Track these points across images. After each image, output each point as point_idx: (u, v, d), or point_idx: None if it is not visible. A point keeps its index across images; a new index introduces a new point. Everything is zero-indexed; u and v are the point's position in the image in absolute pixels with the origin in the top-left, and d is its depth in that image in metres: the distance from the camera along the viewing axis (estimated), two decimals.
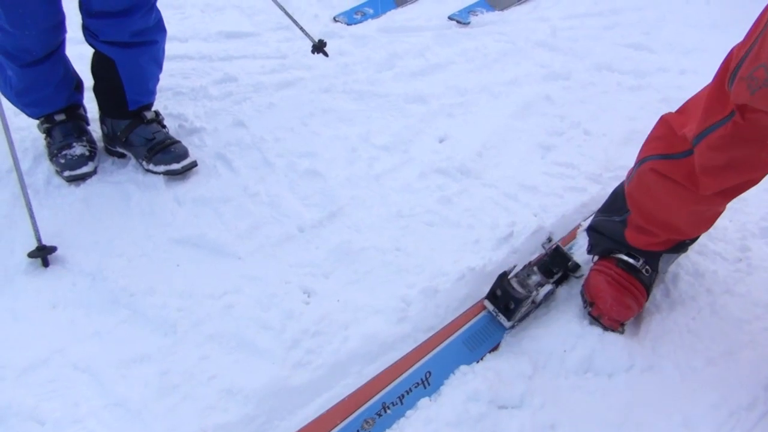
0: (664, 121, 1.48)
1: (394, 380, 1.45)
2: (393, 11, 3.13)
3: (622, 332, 1.51)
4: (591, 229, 1.69)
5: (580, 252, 1.75)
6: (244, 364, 1.50)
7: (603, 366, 1.45)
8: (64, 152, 1.99)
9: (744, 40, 1.23)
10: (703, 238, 1.68)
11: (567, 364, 1.46)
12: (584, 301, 1.57)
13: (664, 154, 1.45)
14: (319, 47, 2.38)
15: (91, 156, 2.01)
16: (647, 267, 1.56)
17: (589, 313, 1.54)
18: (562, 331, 1.53)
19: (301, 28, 2.38)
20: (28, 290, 1.68)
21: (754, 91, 1.15)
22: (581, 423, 1.35)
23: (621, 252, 1.59)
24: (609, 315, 1.50)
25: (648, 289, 1.57)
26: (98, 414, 1.41)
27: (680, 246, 1.59)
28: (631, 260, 1.57)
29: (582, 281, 1.64)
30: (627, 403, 1.37)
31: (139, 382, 1.47)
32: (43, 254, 1.73)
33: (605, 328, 1.51)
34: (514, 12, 3.12)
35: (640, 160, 1.53)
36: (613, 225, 1.62)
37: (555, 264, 1.68)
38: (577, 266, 1.69)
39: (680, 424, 1.33)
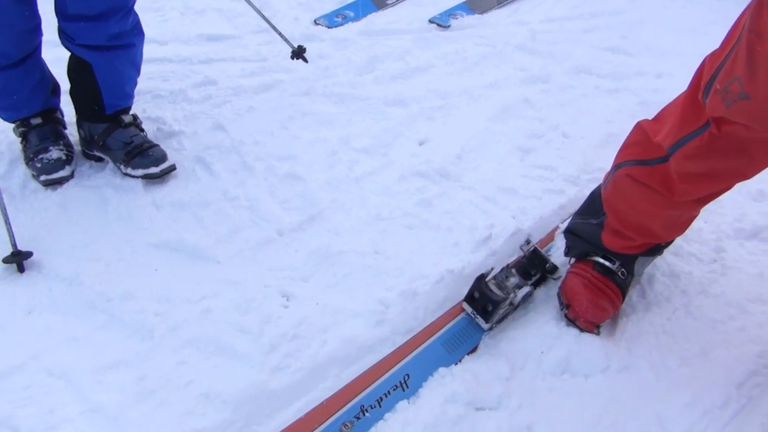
0: (640, 128, 1.50)
1: (372, 383, 1.46)
2: (374, 14, 3.13)
3: (597, 334, 1.53)
4: (568, 232, 1.71)
5: (558, 254, 1.76)
6: (222, 368, 1.50)
7: (579, 367, 1.46)
8: (40, 156, 1.97)
9: (717, 51, 1.24)
10: (679, 240, 1.70)
11: (544, 366, 1.47)
12: (561, 303, 1.59)
13: (639, 160, 1.47)
14: (298, 53, 2.38)
15: (68, 160, 1.99)
16: (623, 270, 1.58)
17: (566, 315, 1.55)
18: (540, 332, 1.54)
19: (280, 34, 2.38)
20: (3, 296, 1.66)
21: (729, 104, 1.16)
22: (558, 423, 1.36)
23: (597, 255, 1.60)
24: (584, 317, 1.51)
25: (623, 291, 1.59)
26: (74, 420, 1.40)
27: (655, 249, 1.61)
28: (607, 263, 1.58)
29: (559, 283, 1.65)
30: (603, 403, 1.39)
31: (115, 388, 1.46)
32: (18, 260, 1.71)
33: (581, 330, 1.52)
34: (494, 15, 3.14)
35: (616, 166, 1.54)
36: (590, 228, 1.63)
37: (533, 266, 1.69)
38: (555, 268, 1.71)
39: (654, 423, 1.34)
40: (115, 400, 1.43)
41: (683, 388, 1.40)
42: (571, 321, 1.54)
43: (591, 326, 1.53)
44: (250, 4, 2.37)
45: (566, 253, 1.71)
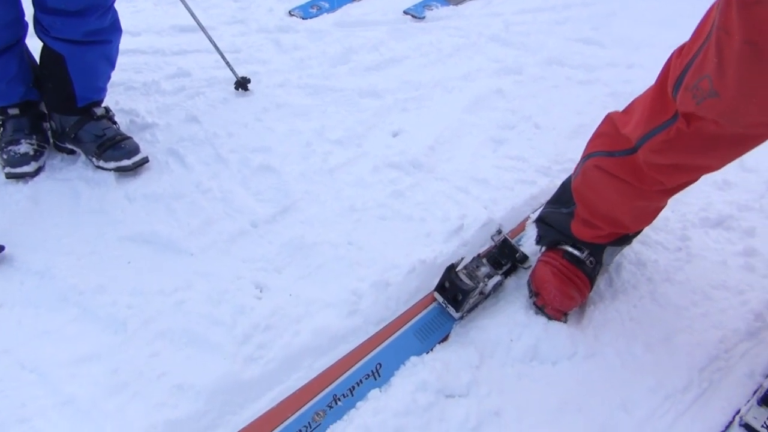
0: (609, 119, 1.52)
1: (344, 372, 1.48)
2: (349, 5, 3.13)
3: (565, 321, 1.56)
4: (539, 221, 1.74)
5: (528, 243, 1.79)
6: (195, 360, 1.51)
7: (547, 354, 1.49)
8: (9, 148, 1.95)
9: (687, 45, 1.24)
10: (646, 229, 1.73)
11: (513, 353, 1.50)
12: (530, 291, 1.62)
13: (607, 151, 1.49)
14: (242, 83, 2.38)
15: (36, 156, 1.97)
16: (591, 259, 1.61)
17: (534, 303, 1.58)
18: (509, 321, 1.57)
19: (227, 62, 2.39)
20: None
21: (700, 102, 1.16)
22: (525, 409, 1.39)
23: (567, 243, 1.63)
24: (552, 305, 1.55)
25: (591, 280, 1.62)
26: (46, 413, 1.40)
27: (624, 239, 1.64)
28: (576, 252, 1.61)
29: (529, 272, 1.68)
30: (569, 388, 1.42)
31: (88, 381, 1.46)
32: None
33: (549, 318, 1.55)
34: (469, 7, 3.15)
35: (585, 156, 1.57)
36: (561, 217, 1.66)
37: (503, 255, 1.72)
38: (525, 257, 1.74)
39: (619, 407, 1.38)
40: (88, 392, 1.44)
41: (647, 373, 1.44)
42: (540, 309, 1.57)
43: (558, 314, 1.56)
44: (202, 29, 2.37)
45: (537, 242, 1.74)
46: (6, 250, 1.74)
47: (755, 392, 1.38)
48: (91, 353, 1.52)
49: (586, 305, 1.63)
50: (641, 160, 1.39)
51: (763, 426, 1.30)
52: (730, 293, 1.64)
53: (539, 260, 1.68)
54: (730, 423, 1.34)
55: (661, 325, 1.57)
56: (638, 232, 1.67)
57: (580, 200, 1.60)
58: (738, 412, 1.35)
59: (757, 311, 1.57)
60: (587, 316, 1.59)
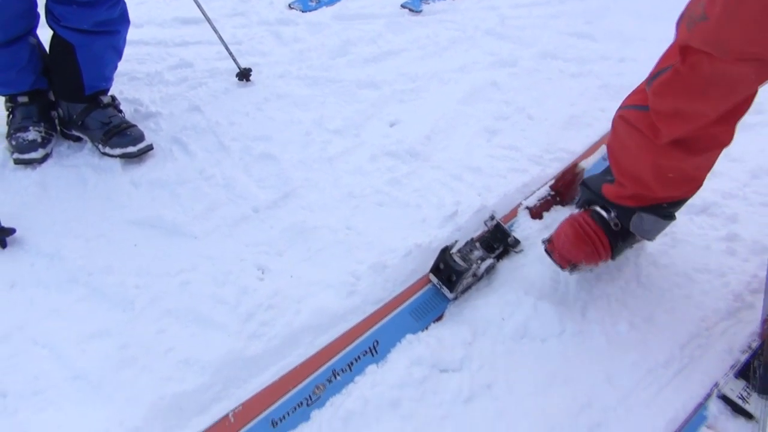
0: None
1: (343, 349, 1.55)
2: None
3: (570, 272, 1.60)
4: (582, 184, 1.73)
5: (520, 229, 1.86)
6: (201, 337, 1.58)
7: (537, 332, 1.57)
8: (18, 134, 2.02)
9: None
10: None
11: (504, 331, 1.57)
12: (546, 240, 1.65)
13: (635, 105, 1.50)
14: (244, 74, 2.44)
15: (44, 143, 2.04)
16: (617, 221, 1.60)
17: (545, 249, 1.62)
18: (501, 301, 1.64)
19: (230, 53, 2.44)
20: None
21: (691, 27, 1.22)
22: (515, 382, 1.46)
23: (597, 204, 1.64)
24: (559, 251, 1.58)
25: (613, 243, 1.61)
26: (59, 386, 1.47)
27: (657, 208, 1.56)
28: (602, 212, 1.61)
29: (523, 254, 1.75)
30: (557, 363, 1.49)
31: (98, 356, 1.53)
32: (1, 236, 1.77)
33: (556, 263, 1.60)
34: (465, 1, 3.22)
35: (617, 109, 1.57)
36: (599, 180, 1.66)
37: (496, 239, 1.79)
38: (516, 242, 1.81)
39: (604, 380, 1.45)
40: (98, 367, 1.50)
41: (631, 350, 1.52)
42: (548, 254, 1.61)
43: (564, 262, 1.59)
44: (208, 20, 2.44)
45: (576, 204, 1.75)
46: (17, 233, 1.81)
47: (732, 366, 1.45)
48: (101, 330, 1.59)
49: (572, 286, 1.69)
50: (650, 108, 1.41)
51: (738, 396, 1.38)
52: (712, 276, 1.71)
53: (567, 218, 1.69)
54: (709, 395, 1.41)
55: (646, 305, 1.64)
56: (674, 204, 1.58)
57: (610, 155, 1.60)
58: (716, 384, 1.42)
59: (737, 292, 1.64)
60: (575, 296, 1.66)
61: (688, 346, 1.53)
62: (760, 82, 1.28)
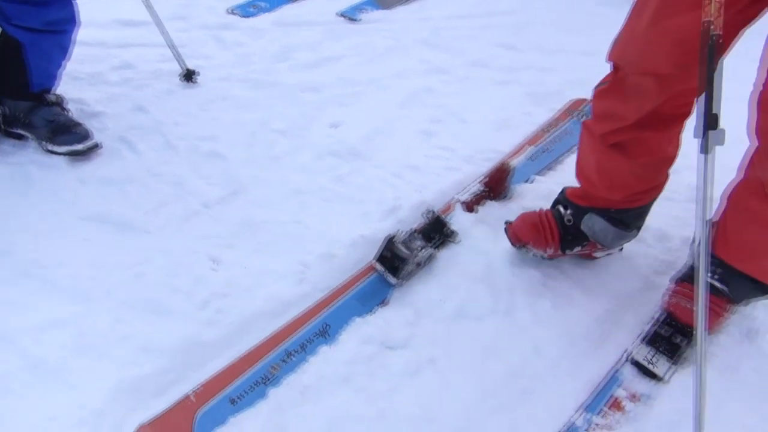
0: None
1: (295, 332, 1.65)
2: (286, 6, 3.30)
3: (519, 248, 1.81)
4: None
5: (455, 221, 2.00)
6: (158, 324, 1.64)
7: (473, 312, 1.72)
8: None
9: None
10: None
11: (444, 312, 1.72)
12: (508, 221, 1.86)
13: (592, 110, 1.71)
14: (189, 75, 2.51)
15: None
16: (570, 218, 1.79)
17: (504, 228, 1.84)
18: (440, 285, 1.79)
19: (176, 54, 2.51)
20: None
21: (611, 48, 1.48)
22: (455, 356, 1.61)
23: (561, 204, 1.84)
24: (513, 230, 1.81)
25: (564, 237, 1.80)
26: (16, 374, 1.50)
27: (605, 211, 1.74)
28: (561, 208, 1.82)
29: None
30: (491, 339, 1.65)
31: (55, 345, 1.57)
32: None
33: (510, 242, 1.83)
34: (400, 11, 3.39)
35: None
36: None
37: (434, 231, 1.94)
38: (453, 233, 1.96)
39: (532, 351, 1.62)
40: (56, 355, 1.54)
41: (554, 325, 1.70)
42: (506, 231, 1.83)
43: (515, 240, 1.81)
44: (156, 21, 2.49)
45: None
46: None
47: (640, 335, 1.66)
48: (56, 320, 1.62)
49: (501, 274, 1.84)
50: (590, 111, 1.66)
51: (644, 359, 1.58)
52: (623, 261, 1.92)
53: None
54: (620, 360, 1.61)
55: (566, 287, 1.82)
56: (621, 212, 1.73)
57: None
58: (627, 350, 1.62)
59: (643, 274, 1.86)
60: (505, 280, 1.82)
61: (603, 320, 1.72)
62: (666, 93, 1.48)
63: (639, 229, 1.83)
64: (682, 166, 1.73)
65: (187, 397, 1.48)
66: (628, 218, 1.77)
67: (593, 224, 1.77)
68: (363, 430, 1.45)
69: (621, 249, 1.90)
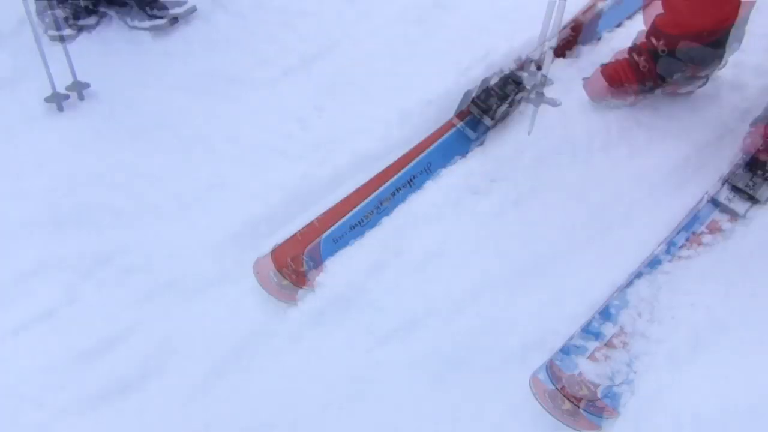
0: None
1: (402, 169, 1.79)
2: None
3: (598, 102, 1.89)
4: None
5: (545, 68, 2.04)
6: (279, 164, 1.83)
7: (553, 161, 1.79)
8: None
9: None
10: None
11: (522, 162, 1.80)
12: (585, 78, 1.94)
13: None
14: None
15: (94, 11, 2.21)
16: (645, 64, 1.83)
17: (583, 86, 1.92)
18: (515, 140, 1.86)
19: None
20: (54, 128, 1.96)
21: None
22: (538, 199, 1.72)
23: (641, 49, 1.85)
24: (590, 85, 1.91)
25: (642, 81, 1.85)
26: (161, 204, 1.73)
27: (699, 36, 1.72)
28: (634, 55, 1.86)
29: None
30: (572, 185, 1.74)
31: (194, 184, 1.78)
32: (78, 89, 1.98)
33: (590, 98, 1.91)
34: None
35: None
36: None
37: (512, 86, 1.89)
38: (545, 78, 1.97)
39: (612, 195, 1.72)
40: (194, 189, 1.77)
41: (651, 156, 1.78)
42: (584, 87, 1.92)
43: (593, 95, 1.89)
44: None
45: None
46: (91, 87, 2.01)
47: (720, 178, 1.69)
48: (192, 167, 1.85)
49: (583, 122, 1.88)
50: None
51: (725, 199, 1.64)
52: (699, 110, 1.89)
53: None
54: (702, 200, 1.66)
55: (642, 137, 1.84)
56: (713, 33, 1.71)
57: None
58: (707, 192, 1.67)
59: (722, 123, 1.85)
60: (585, 129, 1.86)
61: (682, 167, 1.76)
62: None
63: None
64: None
65: (312, 223, 1.66)
66: (719, 38, 1.75)
67: (690, 50, 1.76)
68: (470, 247, 1.63)
69: (705, 83, 1.89)
